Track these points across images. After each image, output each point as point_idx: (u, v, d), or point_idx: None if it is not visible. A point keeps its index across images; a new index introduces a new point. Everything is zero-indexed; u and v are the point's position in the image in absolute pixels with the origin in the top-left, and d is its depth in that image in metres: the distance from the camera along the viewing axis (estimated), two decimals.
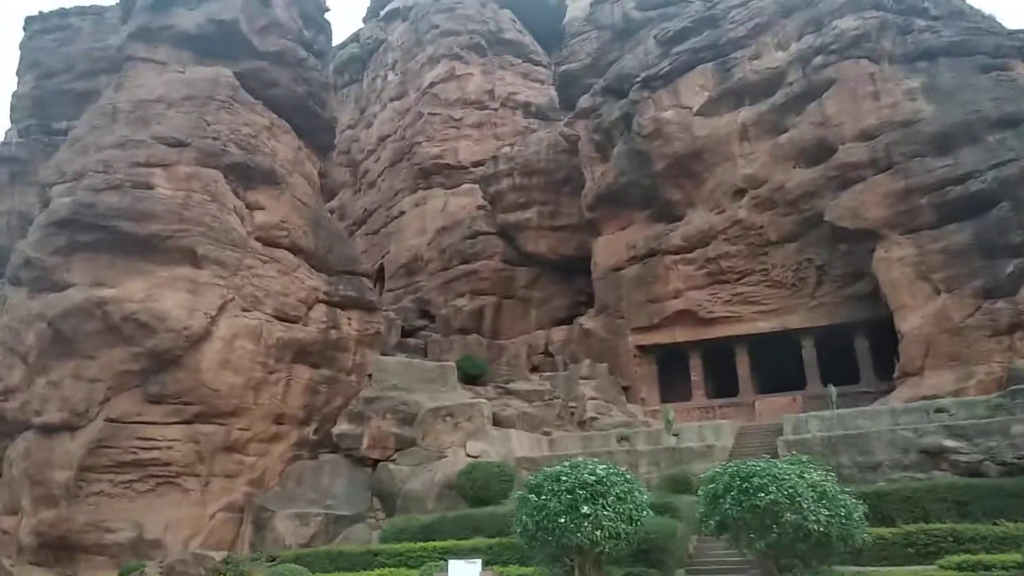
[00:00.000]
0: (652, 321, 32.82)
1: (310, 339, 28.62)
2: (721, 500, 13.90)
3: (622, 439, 25.42)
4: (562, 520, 14.19)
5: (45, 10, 42.72)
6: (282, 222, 29.64)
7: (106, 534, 23.13)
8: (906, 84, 28.65)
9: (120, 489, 23.65)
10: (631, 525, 14.69)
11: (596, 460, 15.33)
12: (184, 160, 27.57)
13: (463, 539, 19.11)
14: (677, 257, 32.51)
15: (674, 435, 25.00)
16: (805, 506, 12.91)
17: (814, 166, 29.76)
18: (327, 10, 37.95)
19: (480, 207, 43.06)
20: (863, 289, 28.77)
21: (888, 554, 14.92)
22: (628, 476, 15.47)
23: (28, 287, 26.25)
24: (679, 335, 32.45)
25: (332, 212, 41.04)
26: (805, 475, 13.55)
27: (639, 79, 34.88)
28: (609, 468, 15.31)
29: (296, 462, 27.51)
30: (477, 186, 43.59)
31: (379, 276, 43.10)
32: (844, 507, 13.18)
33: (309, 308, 29.32)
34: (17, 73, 40.95)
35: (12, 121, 39.96)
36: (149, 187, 26.50)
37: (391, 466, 25.17)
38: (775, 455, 19.13)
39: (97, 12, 42.46)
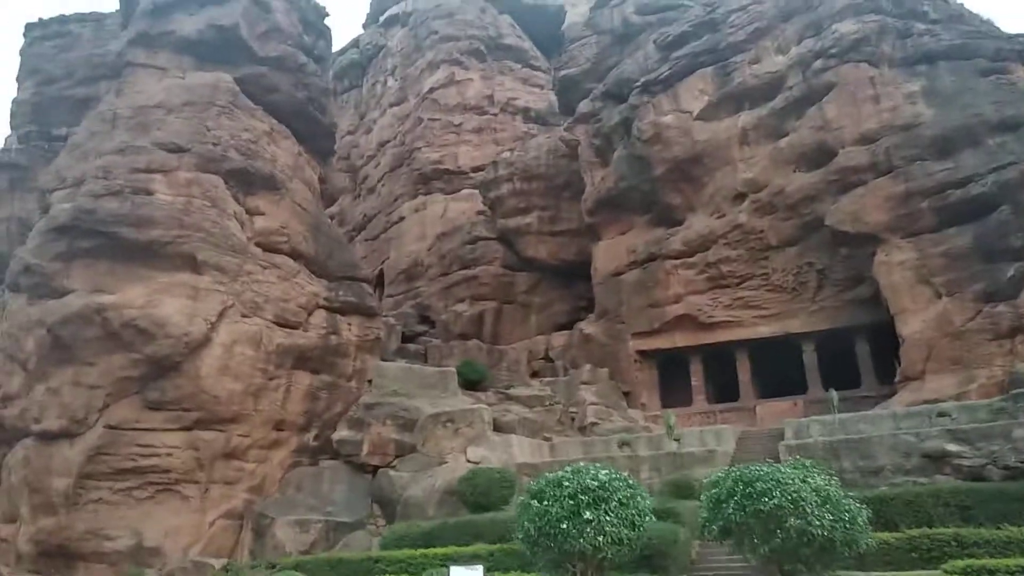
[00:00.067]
0: (653, 326, 32.74)
1: (310, 345, 28.56)
2: (724, 505, 13.86)
3: (623, 444, 25.34)
4: (564, 526, 14.15)
5: (45, 17, 42.74)
6: (282, 228, 29.61)
7: (105, 542, 23.02)
8: (906, 88, 28.64)
9: (119, 496, 23.55)
10: (633, 531, 14.64)
11: (598, 465, 15.28)
12: (184, 166, 27.57)
13: (464, 545, 19.03)
14: (677, 262, 32.44)
15: (675, 440, 24.92)
16: (809, 511, 12.87)
17: (814, 170, 29.73)
18: (327, 15, 38.00)
19: (480, 212, 43.02)
20: (864, 293, 28.71)
21: (892, 559, 14.85)
22: (630, 481, 15.42)
23: (28, 293, 26.20)
24: (680, 340, 32.35)
25: (332, 218, 41.04)
26: (808, 480, 13.51)
27: (639, 84, 34.89)
28: (611, 473, 15.26)
29: (296, 468, 27.41)
30: (477, 191, 43.56)
31: (379, 282, 43.03)
32: (848, 512, 13.13)
33: (309, 314, 29.27)
34: (17, 79, 40.97)
35: (12, 128, 39.96)
36: (149, 193, 26.48)
37: (391, 472, 25.08)
38: (777, 460, 19.06)
39: (97, 19, 42.50)
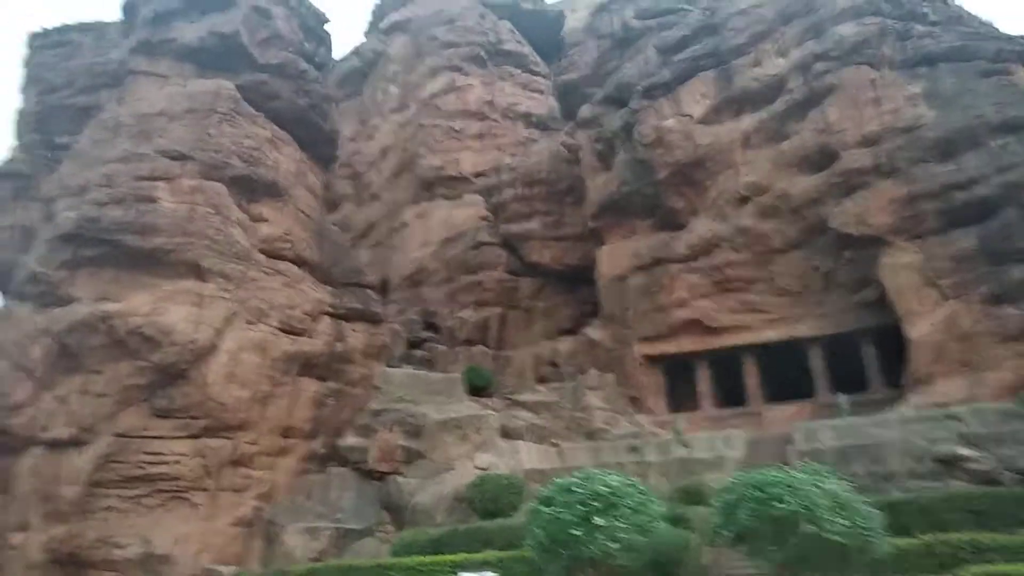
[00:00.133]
0: (658, 331, 32.62)
1: (316, 352, 28.56)
2: (737, 510, 13.80)
3: (632, 450, 25.30)
4: (575, 532, 14.11)
5: (48, 27, 42.71)
6: (286, 234, 29.64)
7: (115, 550, 23.02)
8: (907, 90, 28.64)
9: (129, 504, 23.59)
10: (645, 537, 14.60)
11: (609, 471, 15.25)
12: (187, 173, 27.61)
13: (474, 552, 19.00)
14: (682, 266, 32.35)
15: (684, 446, 24.89)
16: (823, 516, 12.82)
17: (817, 173, 29.72)
18: (327, 22, 38.06)
19: (483, 218, 42.98)
20: (870, 296, 28.63)
21: (906, 565, 14.76)
22: (641, 487, 15.39)
23: (34, 302, 26.24)
24: (686, 345, 32.21)
25: (335, 224, 40.98)
26: (821, 484, 13.46)
27: (640, 88, 34.87)
28: (622, 479, 15.22)
29: (304, 476, 27.42)
30: (479, 197, 43.52)
31: (383, 288, 42.97)
32: (862, 517, 13.08)
33: (315, 321, 29.29)
34: (22, 90, 40.96)
35: (16, 137, 39.92)
36: (152, 200, 26.54)
37: (399, 479, 25.04)
38: (786, 465, 19.02)
39: (99, 28, 42.49)
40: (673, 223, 33.88)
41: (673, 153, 33.04)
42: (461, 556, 18.62)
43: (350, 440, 27.10)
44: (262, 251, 28.60)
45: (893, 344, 27.88)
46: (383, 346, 32.28)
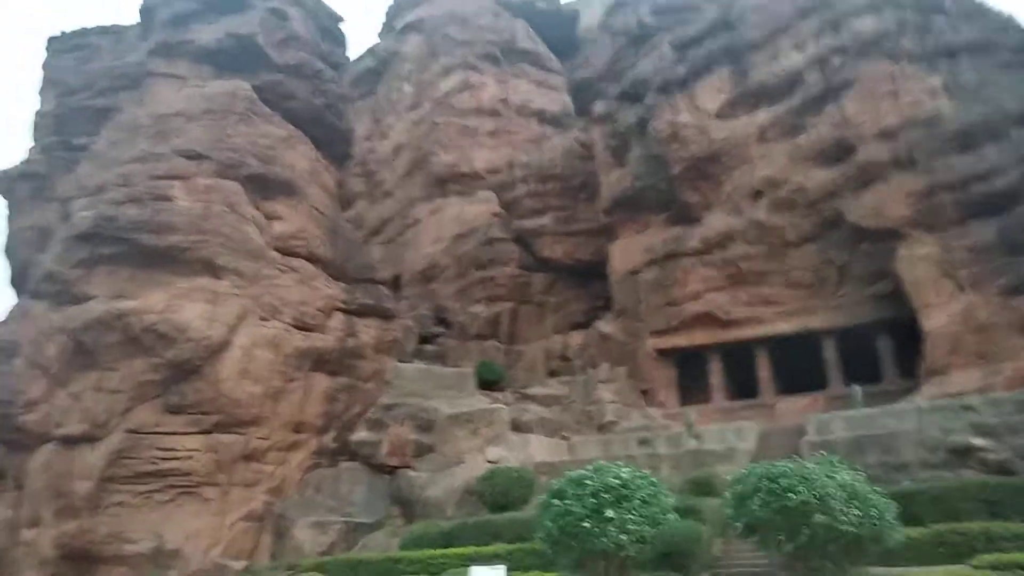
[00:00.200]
0: (671, 324, 32.49)
1: (328, 347, 28.67)
2: (749, 502, 13.65)
3: (643, 442, 25.15)
4: (586, 525, 14.01)
5: (66, 31, 43.28)
6: (300, 232, 29.81)
7: (127, 545, 23.16)
8: (927, 82, 28.27)
9: (140, 500, 23.71)
10: (656, 529, 14.47)
11: (620, 463, 15.15)
12: (203, 172, 27.85)
13: (484, 545, 18.95)
14: (695, 260, 32.19)
15: (695, 438, 24.70)
16: (835, 507, 12.64)
17: (834, 166, 29.43)
18: (342, 22, 38.29)
19: (495, 214, 42.98)
20: (884, 288, 28.32)
21: (919, 554, 14.57)
22: (652, 479, 15.27)
23: (50, 300, 26.52)
24: (698, 338, 32.06)
25: (348, 222, 41.18)
26: (834, 475, 13.29)
27: (655, 84, 34.77)
28: (634, 471, 15.11)
29: (315, 470, 27.53)
30: (492, 193, 43.54)
31: (395, 284, 43.09)
32: (875, 507, 12.89)
33: (327, 317, 29.41)
34: (40, 92, 41.53)
35: (35, 139, 40.46)
36: (168, 199, 26.78)
37: (410, 473, 25.06)
38: (799, 457, 18.80)
39: (117, 31, 42.92)
40: (687, 217, 33.71)
41: (688, 148, 32.89)
42: (471, 549, 18.59)
43: (361, 434, 27.15)
44: (276, 248, 28.78)
45: (907, 336, 27.56)
46: (395, 341, 32.34)
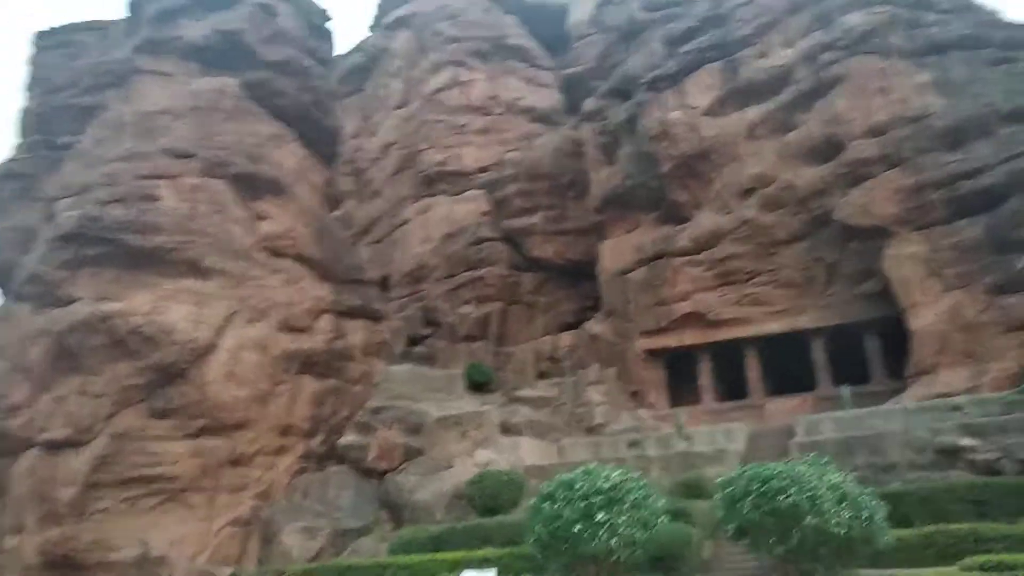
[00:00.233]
0: (660, 324, 32.38)
1: (316, 349, 28.44)
2: (740, 504, 13.64)
3: (633, 445, 25.09)
4: (577, 529, 13.95)
5: (52, 26, 42.76)
6: (288, 232, 29.56)
7: (112, 552, 22.85)
8: (916, 79, 28.25)
9: (125, 505, 23.43)
10: (647, 532, 14.42)
11: (610, 466, 15.09)
12: (190, 171, 27.57)
13: (474, 549, 18.86)
14: (685, 259, 32.08)
15: (685, 439, 24.66)
16: (826, 508, 12.63)
17: (823, 163, 29.39)
18: (330, 19, 37.97)
19: (485, 213, 42.75)
20: (873, 287, 28.30)
21: (908, 556, 14.58)
22: (643, 482, 15.21)
23: (33, 302, 26.20)
24: (688, 338, 31.96)
25: (336, 221, 40.90)
26: (825, 477, 13.27)
27: (645, 80, 34.61)
28: (624, 474, 15.05)
29: (302, 475, 27.27)
30: (481, 192, 43.29)
31: (384, 285, 42.84)
32: (866, 509, 12.88)
33: (315, 318, 29.17)
34: (25, 89, 41.03)
35: (20, 137, 40.00)
36: (154, 199, 26.50)
37: (399, 477, 24.90)
38: (788, 458, 18.78)
39: (103, 27, 42.42)
40: (677, 216, 33.61)
41: (678, 145, 32.79)
42: (461, 554, 18.50)
43: (349, 438, 26.95)
44: (264, 249, 28.52)
45: (896, 336, 27.59)
46: (383, 343, 32.13)
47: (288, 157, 31.60)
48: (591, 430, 28.89)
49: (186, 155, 27.72)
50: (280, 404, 26.80)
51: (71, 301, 25.14)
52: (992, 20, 30.35)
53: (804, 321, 29.89)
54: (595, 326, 34.94)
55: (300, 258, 29.71)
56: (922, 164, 26.82)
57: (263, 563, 23.48)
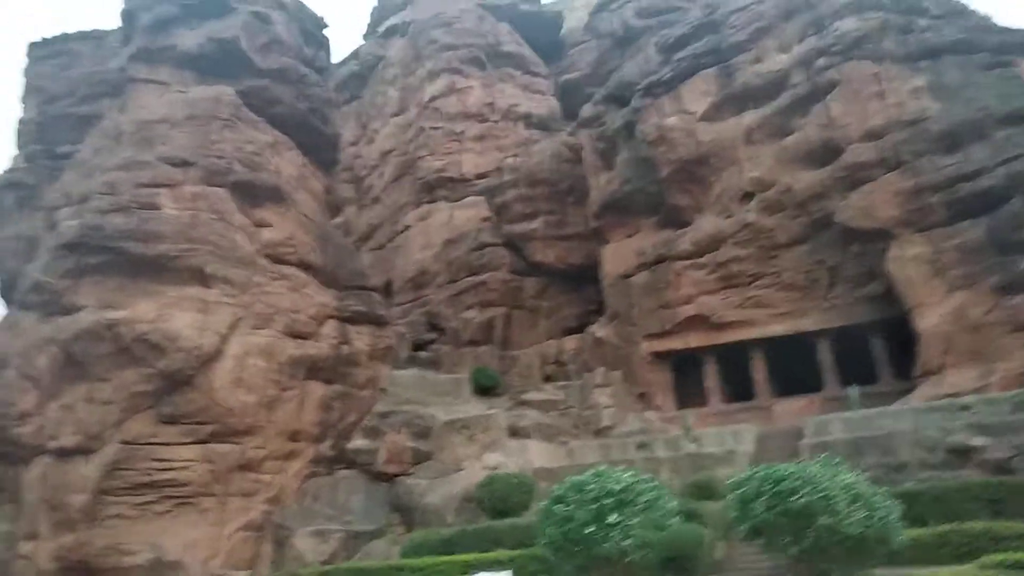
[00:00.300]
0: (664, 328, 32.54)
1: (322, 355, 28.47)
2: (753, 505, 13.72)
3: (641, 447, 25.21)
4: (589, 530, 14.01)
5: (47, 36, 42.72)
6: (289, 239, 29.59)
7: (125, 557, 22.91)
8: (911, 83, 28.55)
9: (137, 511, 23.45)
10: (659, 533, 14.51)
11: (621, 468, 15.17)
12: (189, 179, 27.60)
13: (485, 552, 18.94)
14: (687, 263, 32.27)
15: (694, 441, 24.80)
16: (840, 508, 12.74)
17: (821, 167, 29.66)
18: (326, 26, 38.07)
19: (485, 219, 42.93)
20: (877, 289, 28.54)
21: (923, 555, 14.70)
22: (655, 483, 15.31)
23: (38, 311, 26.16)
24: (692, 341, 32.12)
25: (337, 228, 40.96)
26: (837, 477, 13.39)
27: (641, 86, 34.85)
28: (635, 476, 15.14)
29: (312, 479, 27.30)
30: (481, 198, 43.46)
31: (387, 291, 42.91)
32: (880, 508, 13.00)
33: (320, 324, 29.21)
34: (22, 99, 41.00)
35: (18, 147, 39.95)
36: (155, 207, 26.52)
37: (408, 480, 24.97)
38: (797, 459, 18.93)
39: (98, 36, 42.52)
40: (677, 220, 33.83)
41: (676, 150, 33.01)
42: (472, 556, 18.57)
43: (358, 442, 27.01)
44: (266, 256, 28.55)
45: (901, 336, 27.81)
46: (389, 348, 32.17)
47: (287, 165, 31.65)
48: (599, 432, 29.02)
49: (185, 163, 27.75)
50: (288, 409, 26.84)
51: (76, 309, 25.15)
52: (984, 25, 30.72)
53: (808, 323, 30.07)
54: (599, 330, 35.08)
55: (303, 265, 29.76)
56: (920, 167, 27.09)
57: (276, 567, 23.54)
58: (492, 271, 40.09)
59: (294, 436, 27.07)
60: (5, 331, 27.07)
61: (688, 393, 32.59)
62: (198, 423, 24.75)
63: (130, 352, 24.41)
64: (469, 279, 40.35)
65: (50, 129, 38.96)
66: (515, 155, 44.02)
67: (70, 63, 41.19)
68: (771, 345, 31.20)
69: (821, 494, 13.06)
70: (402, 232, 45.69)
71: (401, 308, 41.78)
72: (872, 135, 28.51)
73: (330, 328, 29.46)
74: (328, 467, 27.77)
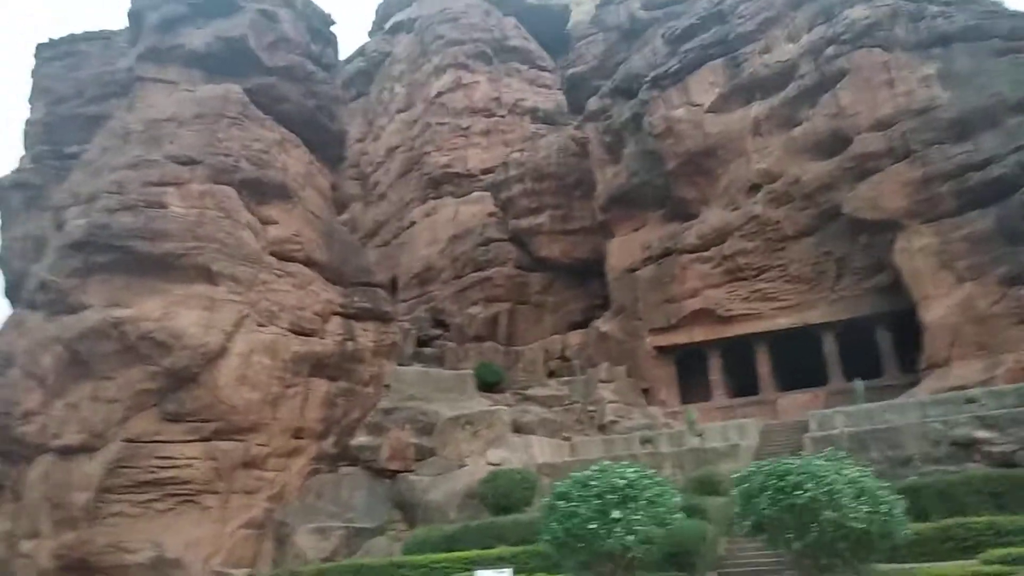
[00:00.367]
0: (669, 322, 32.39)
1: (327, 352, 28.50)
2: (756, 500, 13.55)
3: (645, 442, 25.06)
4: (593, 526, 13.90)
5: (54, 37, 42.97)
6: (295, 236, 29.62)
7: (126, 555, 22.99)
8: (921, 71, 28.15)
9: (140, 509, 23.54)
10: (663, 529, 14.38)
11: (625, 463, 15.05)
12: (196, 178, 27.64)
13: (487, 548, 18.80)
14: (693, 256, 32.08)
15: (697, 436, 24.62)
16: (845, 503, 12.55)
17: (829, 158, 29.34)
18: (333, 23, 38.03)
19: (491, 214, 42.89)
20: (884, 281, 28.24)
21: (926, 549, 14.45)
22: (658, 479, 15.16)
23: (44, 310, 26.31)
24: (697, 335, 31.95)
25: (343, 225, 41.03)
26: (842, 471, 13.19)
27: (648, 79, 34.63)
28: (639, 471, 15.00)
29: (315, 476, 27.35)
30: (487, 193, 43.42)
31: (392, 287, 43.00)
32: (885, 503, 12.80)
33: (325, 321, 29.23)
34: (30, 100, 41.27)
35: (26, 148, 40.24)
36: (162, 206, 26.58)
37: (411, 477, 24.91)
38: (802, 452, 18.73)
39: (106, 37, 42.72)
40: (684, 213, 33.62)
41: (683, 143, 32.80)
42: (475, 553, 18.45)
43: (361, 439, 26.98)
44: (272, 253, 28.59)
45: (907, 329, 27.50)
46: (393, 344, 32.17)
47: (294, 162, 31.65)
48: (602, 428, 28.91)
49: (192, 162, 27.79)
50: (292, 406, 26.88)
51: (82, 308, 25.26)
52: (996, 11, 30.21)
53: (814, 316, 29.83)
54: (604, 324, 34.96)
55: (309, 262, 29.79)
56: (930, 156, 26.72)
57: (278, 564, 23.56)
58: (497, 266, 40.07)
59: (297, 433, 27.12)
60: (11, 330, 27.28)
61: (692, 388, 32.44)
62: (202, 421, 24.79)
63: (135, 350, 24.50)
64: (474, 275, 40.34)
65: (57, 130, 39.20)
66: (521, 150, 43.92)
67: (78, 64, 41.40)
68: (776, 339, 30.96)
69: (826, 488, 12.88)
70: (408, 228, 45.76)
71: (406, 304, 41.84)
72: (881, 124, 28.17)
73: (335, 325, 29.49)
74: (331, 464, 27.80)
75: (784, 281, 30.41)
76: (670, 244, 33.06)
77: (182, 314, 25.13)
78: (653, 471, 15.76)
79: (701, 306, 31.69)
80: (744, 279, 31.05)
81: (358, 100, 53.93)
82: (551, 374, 35.25)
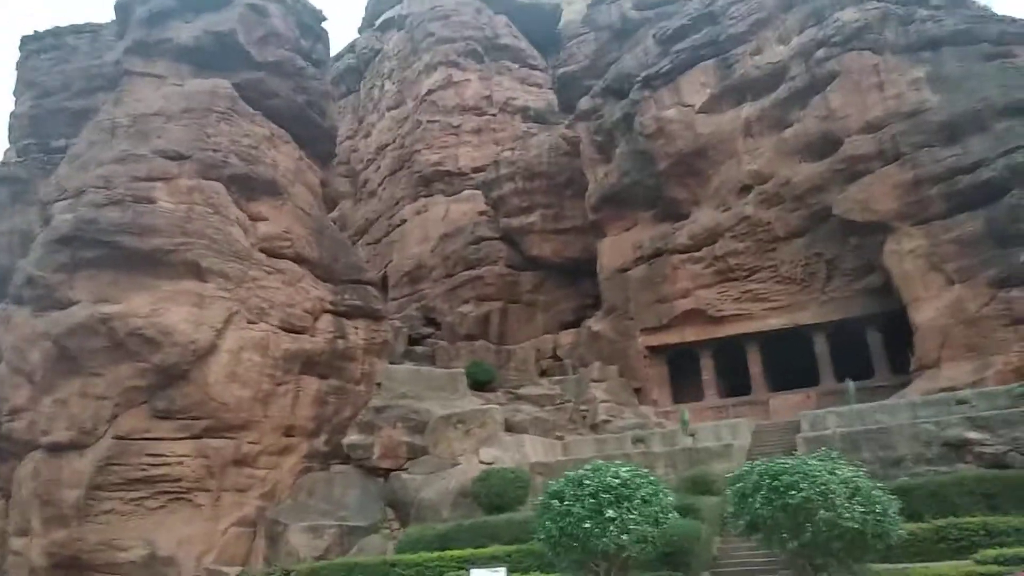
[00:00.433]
0: (661, 321, 32.51)
1: (317, 350, 28.35)
2: (750, 499, 13.62)
3: (637, 441, 25.14)
4: (587, 525, 13.92)
5: (41, 30, 42.47)
6: (285, 232, 29.41)
7: (118, 552, 22.82)
8: (911, 74, 28.37)
9: (131, 507, 23.37)
10: (657, 528, 14.42)
11: (618, 463, 15.08)
12: (185, 173, 27.36)
13: (480, 547, 18.80)
14: (684, 256, 32.21)
15: (690, 435, 24.72)
16: (839, 503, 12.62)
17: (820, 160, 29.52)
18: (324, 19, 37.78)
19: (482, 213, 42.84)
20: (874, 282, 28.47)
21: (920, 550, 14.60)
22: (652, 478, 15.21)
23: (32, 305, 25.98)
24: (689, 335, 32.11)
25: (333, 222, 40.82)
26: (836, 471, 13.27)
27: (639, 79, 34.70)
28: (633, 470, 15.04)
29: (307, 474, 27.21)
30: (478, 192, 43.37)
31: (383, 285, 42.86)
32: (878, 503, 12.89)
33: (315, 318, 29.07)
34: (15, 93, 40.76)
35: (11, 141, 39.77)
36: (151, 201, 26.29)
37: (404, 475, 24.87)
38: (794, 453, 18.83)
39: (93, 30, 42.27)
40: (675, 213, 33.72)
41: (674, 143, 32.88)
42: (468, 551, 18.44)
43: (353, 437, 26.89)
44: (262, 250, 28.36)
45: (898, 330, 27.72)
46: (384, 343, 32.03)
47: (284, 158, 31.41)
48: (595, 427, 28.98)
49: (181, 157, 27.51)
50: (283, 404, 26.72)
51: (70, 304, 24.97)
52: (985, 15, 30.50)
53: (805, 317, 30.03)
54: (596, 324, 35.02)
55: (299, 258, 29.59)
56: (919, 159, 26.92)
57: (270, 562, 23.45)
58: (489, 265, 40.04)
59: (289, 431, 26.97)
60: None
61: (684, 387, 32.57)
62: (192, 418, 24.59)
63: (124, 347, 24.25)
64: (465, 273, 40.28)
65: (44, 123, 38.76)
66: (512, 148, 43.90)
67: (64, 57, 40.95)
68: (767, 339, 31.14)
69: (820, 488, 12.96)
70: (399, 226, 45.62)
71: (397, 302, 41.71)
72: (871, 127, 28.36)
73: (326, 322, 29.32)
74: (323, 462, 27.67)
75: (775, 282, 30.59)
76: (661, 244, 33.15)
77: (171, 310, 24.88)
78: (646, 470, 15.82)
79: (692, 306, 31.81)
80: (735, 280, 31.20)
81: (348, 97, 53.69)
82: (543, 373, 35.31)
